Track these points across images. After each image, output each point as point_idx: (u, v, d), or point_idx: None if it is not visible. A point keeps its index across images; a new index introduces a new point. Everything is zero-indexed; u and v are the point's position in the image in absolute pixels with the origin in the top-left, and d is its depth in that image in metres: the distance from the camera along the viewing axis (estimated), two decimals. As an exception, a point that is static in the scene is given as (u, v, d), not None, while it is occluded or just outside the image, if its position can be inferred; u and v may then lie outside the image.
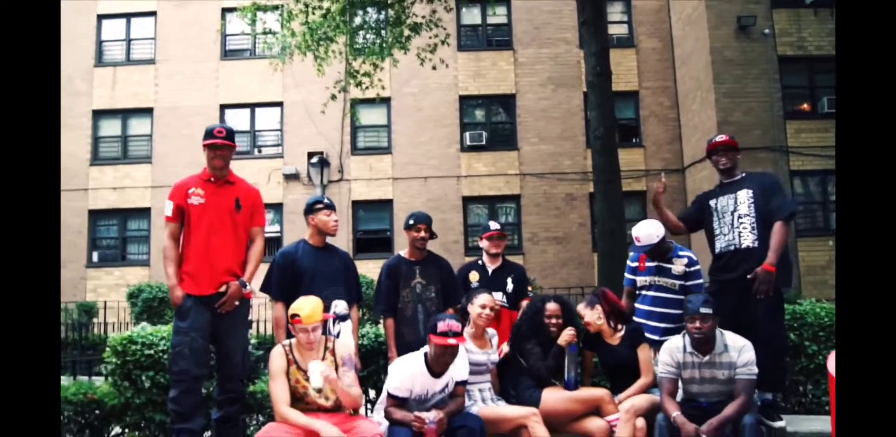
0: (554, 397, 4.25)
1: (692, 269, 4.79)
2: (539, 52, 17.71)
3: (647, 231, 4.79)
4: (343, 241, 16.45)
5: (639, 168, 16.77)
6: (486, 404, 4.33)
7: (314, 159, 14.30)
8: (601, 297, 4.57)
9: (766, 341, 4.15)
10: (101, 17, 18.36)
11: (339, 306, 4.40)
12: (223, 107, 17.72)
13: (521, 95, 17.56)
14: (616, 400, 4.27)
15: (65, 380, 5.74)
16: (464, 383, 4.15)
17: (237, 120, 17.84)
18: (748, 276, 4.32)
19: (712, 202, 4.74)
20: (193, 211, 4.29)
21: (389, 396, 4.03)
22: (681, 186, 16.50)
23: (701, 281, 4.81)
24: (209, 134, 4.42)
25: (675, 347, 4.18)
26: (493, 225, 5.41)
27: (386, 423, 3.98)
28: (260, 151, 17.74)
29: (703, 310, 4.02)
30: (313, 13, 11.75)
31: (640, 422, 4.04)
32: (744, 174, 4.77)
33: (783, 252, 4.40)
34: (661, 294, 4.77)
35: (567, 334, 4.39)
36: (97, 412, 4.89)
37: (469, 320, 4.46)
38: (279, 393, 3.86)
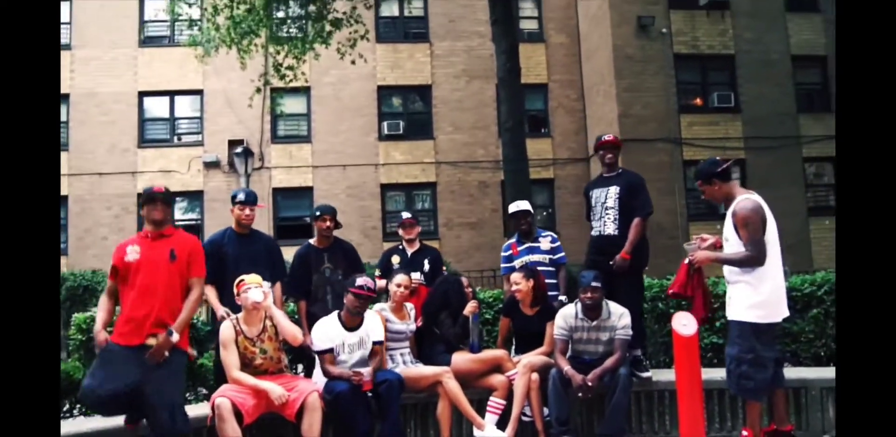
0: (462, 358, 5.08)
1: (556, 244, 5.80)
2: (454, 45, 18.45)
3: (525, 204, 6.04)
4: (264, 227, 16.88)
5: (547, 157, 17.78)
6: (406, 366, 5.10)
7: (238, 149, 14.69)
8: (536, 275, 5.38)
9: (627, 309, 5.06)
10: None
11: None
12: (142, 94, 17.75)
13: (436, 85, 18.28)
14: (514, 360, 5.13)
15: None
16: (380, 343, 4.92)
17: (156, 107, 17.96)
18: (610, 262, 5.24)
19: (591, 193, 5.61)
20: (130, 267, 4.31)
21: (319, 354, 4.80)
22: (585, 175, 17.57)
23: (563, 254, 5.78)
24: (148, 191, 4.53)
25: (568, 313, 5.06)
26: (405, 215, 6.26)
27: (324, 381, 4.70)
28: (179, 139, 17.86)
29: (594, 284, 4.93)
30: (237, 8, 12.15)
31: (535, 376, 4.91)
32: (620, 171, 5.65)
33: (642, 240, 5.37)
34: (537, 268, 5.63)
35: (471, 306, 5.25)
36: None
37: (389, 297, 5.23)
38: (231, 359, 4.53)
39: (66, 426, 4.59)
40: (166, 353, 4.16)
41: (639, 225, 5.34)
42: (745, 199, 4.36)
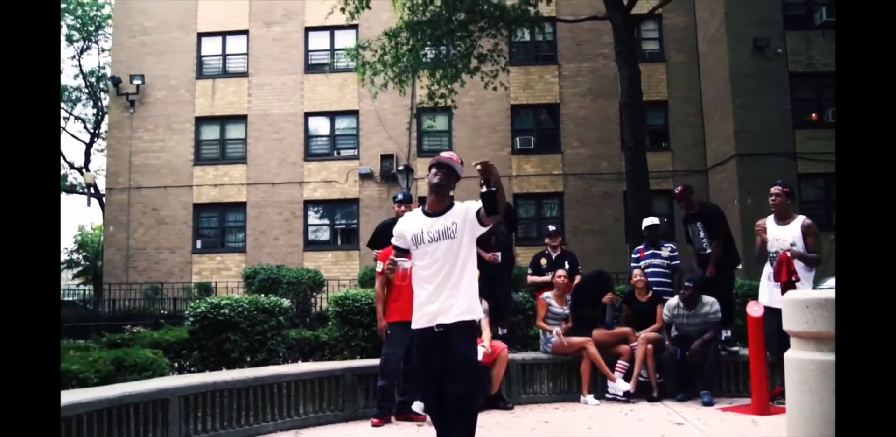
0: (600, 332, 7.09)
1: (674, 254, 7.75)
2: (580, 67, 20.27)
3: (655, 219, 8.01)
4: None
5: (667, 169, 19.27)
6: (557, 337, 7.10)
7: (400, 167, 17.19)
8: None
9: (722, 299, 6.92)
10: (200, 35, 21.22)
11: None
12: (307, 115, 20.61)
13: (564, 104, 20.17)
14: (636, 334, 7.09)
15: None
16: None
17: (319, 126, 20.75)
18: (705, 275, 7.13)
19: (687, 227, 7.51)
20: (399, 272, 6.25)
21: (395, 250, 4.19)
22: (703, 186, 18.88)
23: (679, 262, 7.72)
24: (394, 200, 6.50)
25: (672, 304, 6.97)
26: (551, 227, 8.46)
27: None
28: (338, 153, 20.59)
29: (687, 284, 6.84)
30: (401, 48, 14.55)
31: (650, 346, 6.86)
32: (699, 208, 7.50)
33: (730, 250, 7.27)
34: (656, 270, 7.65)
35: (608, 297, 7.27)
36: (308, 346, 7.78)
37: (555, 287, 7.28)
38: None
39: (301, 366, 6.62)
40: None
41: (716, 248, 7.23)
42: (807, 218, 6.10)
